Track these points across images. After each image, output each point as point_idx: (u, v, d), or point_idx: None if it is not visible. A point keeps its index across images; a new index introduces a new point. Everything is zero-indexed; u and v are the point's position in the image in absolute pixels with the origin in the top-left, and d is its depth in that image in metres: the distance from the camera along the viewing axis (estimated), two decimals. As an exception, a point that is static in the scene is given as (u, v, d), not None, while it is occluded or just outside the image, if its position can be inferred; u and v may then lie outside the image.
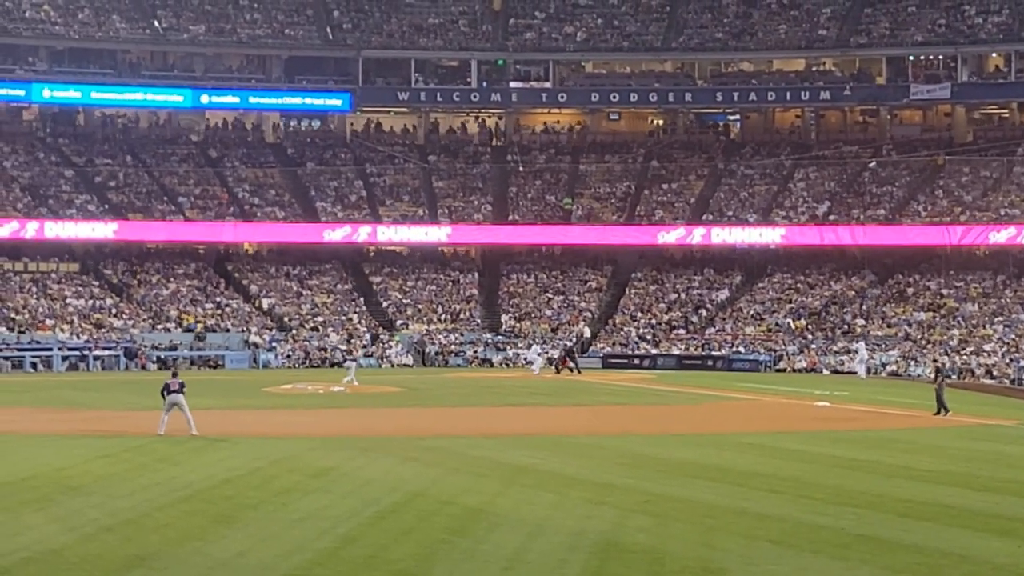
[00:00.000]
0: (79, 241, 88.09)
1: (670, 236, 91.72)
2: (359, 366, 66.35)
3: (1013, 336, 76.52)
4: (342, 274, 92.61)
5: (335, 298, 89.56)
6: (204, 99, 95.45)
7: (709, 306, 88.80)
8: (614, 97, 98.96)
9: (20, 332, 78.74)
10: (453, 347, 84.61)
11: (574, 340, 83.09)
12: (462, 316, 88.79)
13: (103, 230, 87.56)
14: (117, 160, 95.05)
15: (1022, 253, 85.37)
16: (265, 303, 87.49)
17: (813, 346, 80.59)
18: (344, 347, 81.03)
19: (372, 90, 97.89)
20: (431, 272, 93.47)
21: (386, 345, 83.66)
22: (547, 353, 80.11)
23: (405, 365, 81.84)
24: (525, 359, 79.03)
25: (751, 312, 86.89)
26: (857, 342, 77.17)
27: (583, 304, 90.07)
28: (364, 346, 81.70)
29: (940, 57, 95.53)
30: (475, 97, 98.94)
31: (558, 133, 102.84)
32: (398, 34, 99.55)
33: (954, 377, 67.44)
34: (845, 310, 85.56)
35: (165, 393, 37.27)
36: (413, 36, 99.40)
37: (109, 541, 21.69)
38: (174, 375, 38.35)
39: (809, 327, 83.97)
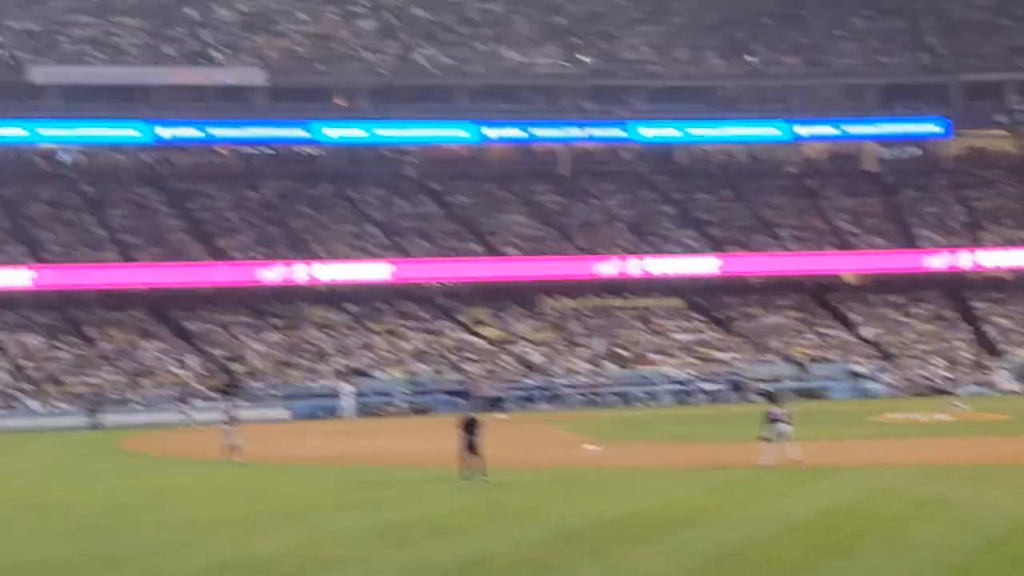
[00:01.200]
0: (681, 276, 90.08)
1: None
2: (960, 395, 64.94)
3: None
4: (943, 301, 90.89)
5: (936, 325, 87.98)
6: (799, 131, 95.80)
7: None
8: None
9: (624, 367, 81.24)
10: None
11: None
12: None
13: (705, 265, 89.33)
14: (715, 195, 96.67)
15: None
16: (866, 332, 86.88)
17: None
18: (948, 375, 79.47)
19: (969, 114, 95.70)
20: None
21: (991, 372, 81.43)
22: None
23: (1012, 392, 79.35)
24: None
25: None
26: None
27: None
28: (966, 373, 79.69)
29: None
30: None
31: None
32: (994, 56, 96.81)
33: None
34: None
35: (767, 422, 37.65)
36: (1010, 58, 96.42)
37: (715, 574, 22.07)
38: (776, 403, 38.62)
39: None
